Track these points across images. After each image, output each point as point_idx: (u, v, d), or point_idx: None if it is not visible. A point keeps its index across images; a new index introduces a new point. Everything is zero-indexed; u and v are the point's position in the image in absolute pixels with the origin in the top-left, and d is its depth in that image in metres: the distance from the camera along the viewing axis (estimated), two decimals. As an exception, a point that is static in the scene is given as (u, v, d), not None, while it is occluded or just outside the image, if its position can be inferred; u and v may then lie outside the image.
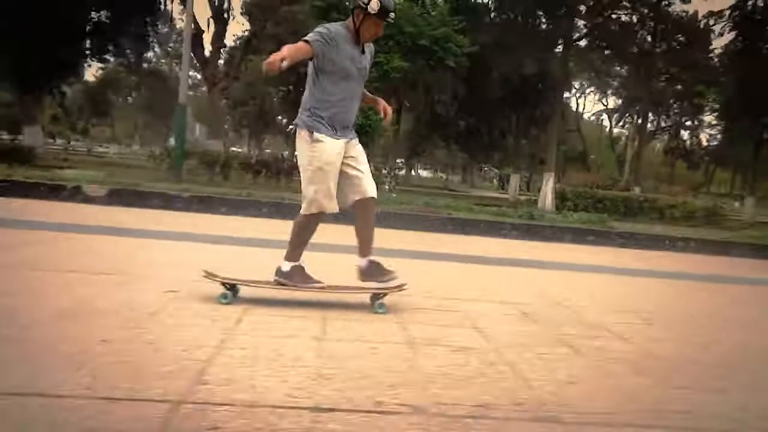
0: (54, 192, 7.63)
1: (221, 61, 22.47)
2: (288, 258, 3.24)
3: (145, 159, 20.53)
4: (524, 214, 9.46)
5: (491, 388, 2.16)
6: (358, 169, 3.20)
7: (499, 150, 31.07)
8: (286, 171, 19.25)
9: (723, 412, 2.09)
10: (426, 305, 3.53)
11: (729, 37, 21.74)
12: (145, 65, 31.08)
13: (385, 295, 3.27)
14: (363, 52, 3.20)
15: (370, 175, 3.25)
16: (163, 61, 35.92)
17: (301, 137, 3.13)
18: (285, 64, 2.78)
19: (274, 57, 2.79)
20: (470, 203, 11.93)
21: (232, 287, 3.20)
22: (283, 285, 3.25)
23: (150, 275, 3.73)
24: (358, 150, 3.24)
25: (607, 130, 54.72)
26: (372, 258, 3.26)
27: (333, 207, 3.14)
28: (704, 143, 45.01)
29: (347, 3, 13.19)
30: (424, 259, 5.44)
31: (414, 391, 2.06)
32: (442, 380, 2.20)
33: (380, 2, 3.01)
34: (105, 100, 36.40)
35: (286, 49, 2.86)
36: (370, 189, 3.20)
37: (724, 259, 8.31)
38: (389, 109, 3.35)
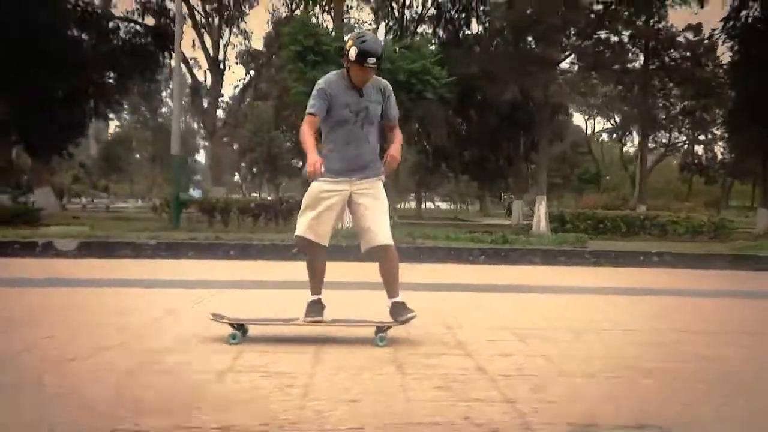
0: (26, 248, 7.85)
1: (219, 111, 23.07)
2: (311, 292, 3.39)
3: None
4: (498, 238, 9.39)
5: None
6: (366, 218, 3.29)
7: (504, 177, 31.02)
8: (284, 213, 19.51)
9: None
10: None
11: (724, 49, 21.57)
12: (160, 120, 32.22)
13: (388, 328, 3.32)
14: (362, 95, 3.27)
15: (383, 221, 3.30)
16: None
17: None
18: (321, 166, 3.09)
19: (312, 165, 3.07)
20: (462, 232, 11.85)
21: (240, 327, 3.26)
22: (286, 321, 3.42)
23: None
24: (372, 194, 3.32)
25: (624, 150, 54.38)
26: (395, 299, 3.34)
27: (309, 234, 3.27)
28: (720, 157, 44.22)
29: (325, 47, 13.61)
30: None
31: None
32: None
33: (357, 48, 3.11)
34: (122, 156, 37.69)
35: (310, 144, 3.15)
36: (379, 238, 3.25)
37: (692, 271, 8.11)
38: (393, 164, 3.35)
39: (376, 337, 3.28)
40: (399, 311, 3.30)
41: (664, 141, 38.42)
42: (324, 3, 18.28)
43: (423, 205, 52.27)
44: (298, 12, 20.00)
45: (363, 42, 3.15)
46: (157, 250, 8.11)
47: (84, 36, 21.18)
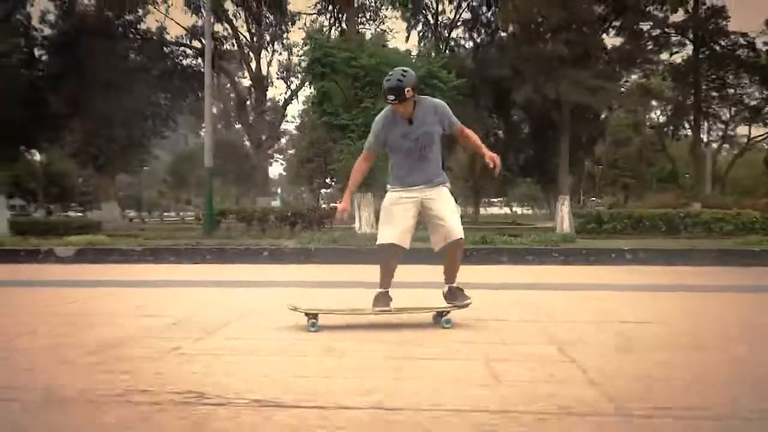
0: (30, 255, 8.83)
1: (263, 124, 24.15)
2: (380, 285, 3.80)
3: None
4: (479, 239, 9.37)
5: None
6: (440, 218, 3.64)
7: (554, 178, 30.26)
8: (318, 220, 20.23)
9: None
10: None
11: None
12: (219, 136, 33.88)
13: (449, 312, 3.75)
14: (411, 123, 3.64)
15: (456, 219, 3.69)
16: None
17: None
18: (346, 216, 3.86)
19: (340, 213, 3.81)
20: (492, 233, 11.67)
21: (315, 316, 3.64)
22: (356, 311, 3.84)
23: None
24: (439, 200, 3.70)
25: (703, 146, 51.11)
26: (453, 285, 3.79)
27: (387, 240, 3.64)
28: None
29: (330, 59, 14.10)
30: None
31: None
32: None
33: (383, 88, 3.57)
34: (185, 171, 40.24)
35: (351, 184, 3.88)
36: (455, 233, 3.63)
37: (665, 268, 7.77)
38: (497, 160, 3.72)
39: (442, 320, 3.68)
40: (456, 296, 3.74)
41: (744, 134, 35.74)
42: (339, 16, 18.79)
43: (483, 210, 51.54)
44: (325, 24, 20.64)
45: (386, 81, 3.53)
46: (143, 255, 8.85)
47: (139, 59, 22.92)
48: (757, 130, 37.84)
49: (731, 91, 23.14)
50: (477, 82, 20.34)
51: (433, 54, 14.07)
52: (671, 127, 26.47)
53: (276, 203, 34.92)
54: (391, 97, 3.48)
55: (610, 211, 18.15)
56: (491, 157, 3.67)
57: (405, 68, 3.62)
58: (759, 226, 16.86)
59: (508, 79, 16.64)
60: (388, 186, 3.80)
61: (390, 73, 3.58)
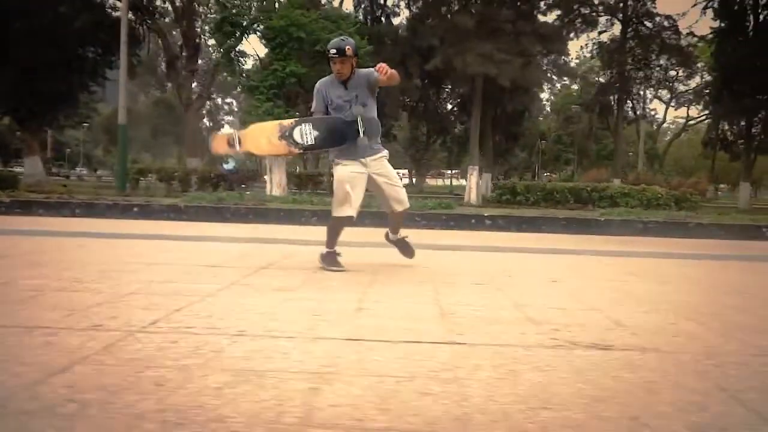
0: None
1: (194, 84, 23.74)
2: (326, 246, 4.10)
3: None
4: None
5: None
6: (389, 192, 4.07)
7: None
8: (238, 181, 20.32)
9: None
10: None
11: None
12: (158, 93, 33.27)
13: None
14: (346, 88, 3.95)
15: (402, 191, 4.13)
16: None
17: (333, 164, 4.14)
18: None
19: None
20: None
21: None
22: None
23: None
24: (386, 174, 4.07)
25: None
26: (400, 236, 4.42)
27: (347, 213, 3.95)
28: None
29: (239, 18, 14.00)
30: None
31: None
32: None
33: (326, 48, 3.96)
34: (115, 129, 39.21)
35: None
36: (404, 203, 4.14)
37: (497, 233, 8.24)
38: (384, 66, 3.77)
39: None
40: (405, 247, 4.43)
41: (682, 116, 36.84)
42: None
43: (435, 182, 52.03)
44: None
45: (330, 44, 3.95)
46: (11, 207, 8.82)
47: (65, 9, 22.08)
48: (693, 113, 39.24)
49: (656, 72, 23.84)
50: (408, 51, 20.46)
51: (343, 20, 13.99)
52: (597, 106, 27.14)
53: (228, 165, 34.26)
54: (333, 52, 3.81)
55: (523, 183, 18.75)
56: (379, 68, 3.77)
57: (344, 35, 4.08)
58: (663, 202, 17.66)
59: (427, 50, 16.80)
60: (334, 158, 4.05)
61: (331, 41, 4.00)
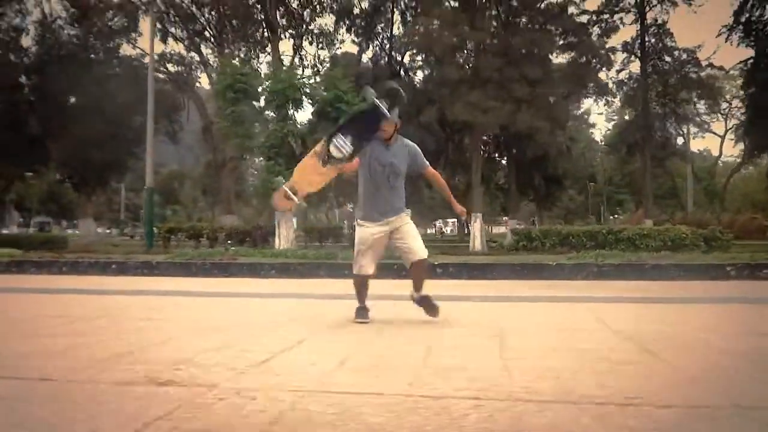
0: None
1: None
2: (359, 301, 4.37)
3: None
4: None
5: None
6: (407, 246, 4.14)
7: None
8: (262, 237, 21.15)
9: None
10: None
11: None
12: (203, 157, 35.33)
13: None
14: (387, 149, 4.08)
15: (418, 243, 4.17)
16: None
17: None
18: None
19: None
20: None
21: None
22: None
23: None
24: (405, 229, 4.17)
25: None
26: (423, 294, 4.37)
27: (365, 272, 4.22)
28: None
29: (242, 85, 15.00)
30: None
31: None
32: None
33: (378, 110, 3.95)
34: (170, 191, 41.85)
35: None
36: (420, 253, 4.17)
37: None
38: (464, 213, 4.53)
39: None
40: (427, 303, 4.31)
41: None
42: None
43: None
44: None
45: (381, 102, 3.93)
46: (9, 267, 9.80)
47: (115, 84, 24.33)
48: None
49: (683, 106, 23.03)
50: (422, 104, 21.01)
51: (340, 76, 14.73)
52: (625, 147, 26.42)
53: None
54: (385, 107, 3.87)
55: (540, 229, 18.42)
56: (461, 211, 4.39)
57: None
58: (690, 242, 16.86)
59: (432, 102, 17.21)
60: (358, 220, 4.23)
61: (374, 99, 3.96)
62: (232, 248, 12.35)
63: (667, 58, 20.69)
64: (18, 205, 39.27)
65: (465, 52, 14.52)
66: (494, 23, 18.64)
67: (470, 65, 14.55)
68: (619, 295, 6.32)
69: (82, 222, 24.57)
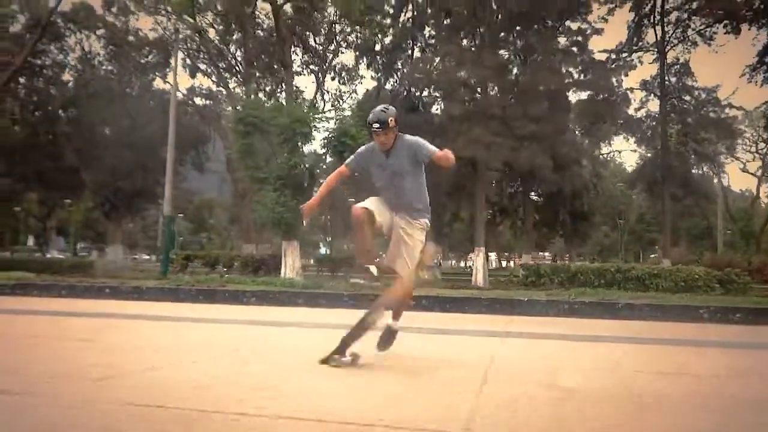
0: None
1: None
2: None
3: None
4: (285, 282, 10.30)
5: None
6: (396, 243, 3.99)
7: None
8: (276, 266, 21.53)
9: None
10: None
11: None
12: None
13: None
14: (387, 157, 3.97)
15: (405, 253, 3.93)
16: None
17: None
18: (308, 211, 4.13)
19: (303, 206, 4.16)
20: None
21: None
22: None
23: None
24: (407, 231, 4.00)
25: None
26: (394, 325, 4.19)
27: (363, 204, 3.90)
28: None
29: (253, 119, 15.61)
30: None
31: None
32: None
33: (368, 120, 3.93)
34: (201, 220, 43.18)
35: (321, 189, 4.25)
36: (396, 264, 3.94)
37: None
38: (445, 158, 3.70)
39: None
40: (387, 338, 4.14)
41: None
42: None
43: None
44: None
45: (371, 116, 3.90)
46: (14, 289, 10.37)
47: (145, 117, 25.63)
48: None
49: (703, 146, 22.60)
50: (440, 139, 21.28)
51: (348, 112, 15.18)
52: (643, 184, 25.95)
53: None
54: (376, 126, 3.80)
55: (549, 265, 18.26)
56: (447, 156, 3.68)
57: (385, 105, 4.00)
58: (703, 283, 16.46)
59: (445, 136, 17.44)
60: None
61: (372, 111, 3.93)
62: (226, 275, 12.71)
63: (687, 97, 20.47)
64: (60, 231, 41.34)
65: (468, 88, 14.73)
66: (510, 58, 18.91)
67: (471, 102, 14.74)
68: (562, 332, 6.27)
69: (111, 248, 25.58)
